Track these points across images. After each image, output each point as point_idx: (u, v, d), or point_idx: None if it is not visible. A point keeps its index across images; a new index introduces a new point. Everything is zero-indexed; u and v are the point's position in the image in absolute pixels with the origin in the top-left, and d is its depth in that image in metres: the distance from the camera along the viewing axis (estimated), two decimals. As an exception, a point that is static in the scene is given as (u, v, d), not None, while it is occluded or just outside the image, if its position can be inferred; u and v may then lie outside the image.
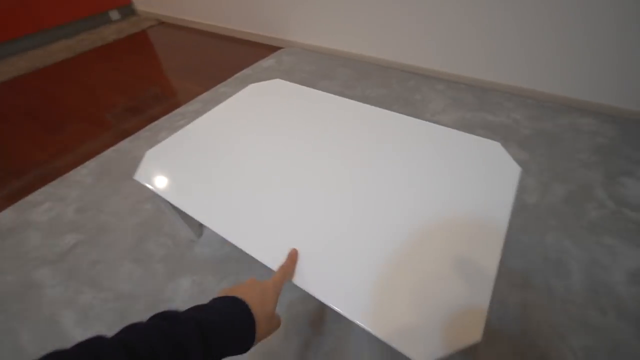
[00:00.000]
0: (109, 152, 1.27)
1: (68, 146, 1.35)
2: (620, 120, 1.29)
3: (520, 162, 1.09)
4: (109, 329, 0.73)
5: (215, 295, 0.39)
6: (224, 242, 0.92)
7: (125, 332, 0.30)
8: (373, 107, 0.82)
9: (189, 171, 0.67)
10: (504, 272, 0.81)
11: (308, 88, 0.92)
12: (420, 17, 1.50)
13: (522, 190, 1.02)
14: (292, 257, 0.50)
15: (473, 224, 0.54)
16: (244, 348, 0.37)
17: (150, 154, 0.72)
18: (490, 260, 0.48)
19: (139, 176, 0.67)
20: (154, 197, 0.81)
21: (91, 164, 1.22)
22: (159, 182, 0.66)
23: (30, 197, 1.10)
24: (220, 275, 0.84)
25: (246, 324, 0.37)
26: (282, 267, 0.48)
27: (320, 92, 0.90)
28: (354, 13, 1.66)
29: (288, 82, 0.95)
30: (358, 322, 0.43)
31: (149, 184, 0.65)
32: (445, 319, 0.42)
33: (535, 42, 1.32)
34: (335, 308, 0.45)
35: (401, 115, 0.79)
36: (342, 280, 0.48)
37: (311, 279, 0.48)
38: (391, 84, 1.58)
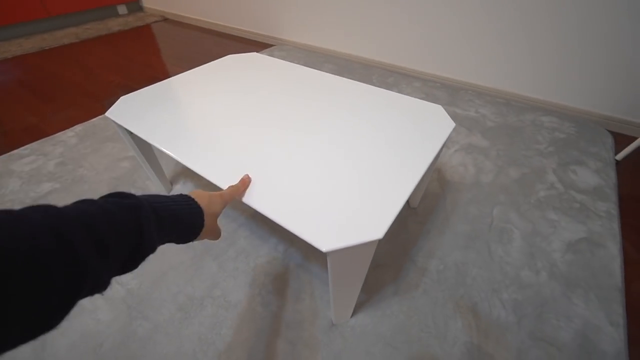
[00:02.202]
0: (96, 120, 1.34)
1: (59, 113, 1.42)
2: (580, 120, 1.37)
3: (480, 149, 1.18)
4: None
5: None
6: (191, 196, 0.97)
7: (80, 202, 0.29)
8: (342, 78, 0.89)
9: (157, 112, 0.74)
10: (449, 235, 0.87)
11: (283, 61, 1.00)
12: (401, 20, 1.62)
13: (478, 170, 1.09)
14: (244, 181, 0.54)
15: (408, 156, 0.60)
16: (192, 233, 0.41)
17: (125, 98, 0.78)
18: (409, 184, 0.54)
19: (111, 114, 0.73)
20: (131, 155, 0.83)
21: (78, 128, 1.29)
22: (129, 120, 0.72)
23: (16, 151, 1.16)
24: (183, 224, 0.88)
25: (195, 210, 0.41)
26: (232, 186, 0.52)
27: (294, 64, 0.98)
28: (341, 15, 1.78)
29: (265, 55, 1.03)
30: (287, 226, 0.48)
31: (119, 120, 0.71)
32: (361, 225, 0.48)
33: (507, 46, 1.43)
34: (273, 217, 0.50)
35: (366, 84, 0.86)
36: (288, 201, 0.53)
37: (259, 199, 0.53)
38: (372, 79, 1.67)
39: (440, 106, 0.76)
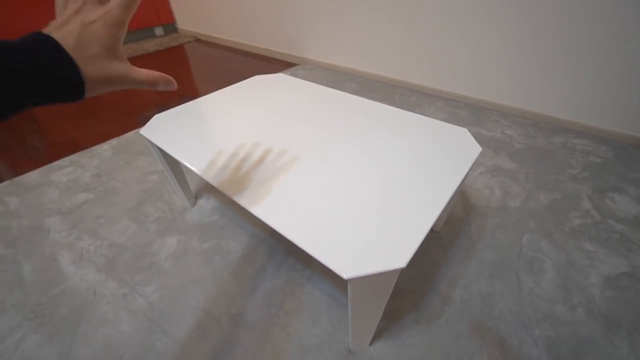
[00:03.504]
0: (130, 135, 1.42)
1: (96, 127, 1.52)
2: (616, 143, 1.30)
3: (507, 171, 1.14)
4: (98, 270, 0.80)
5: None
6: (213, 211, 1.00)
7: None
8: (366, 99, 0.90)
9: (187, 130, 0.77)
10: (474, 262, 0.83)
11: (308, 82, 1.03)
12: (424, 39, 1.62)
13: (505, 194, 1.04)
14: None
15: (433, 180, 0.58)
16: (64, 92, 0.28)
17: (158, 117, 0.83)
18: (434, 210, 0.52)
19: (145, 131, 0.77)
20: (159, 169, 0.87)
21: (113, 142, 1.37)
22: (160, 138, 0.75)
23: (57, 163, 1.24)
24: (204, 238, 0.90)
25: (52, 62, 0.27)
26: None
27: (318, 85, 1.00)
28: (364, 35, 1.82)
29: (290, 76, 1.07)
30: (308, 250, 0.48)
31: (151, 137, 0.75)
32: (383, 251, 0.47)
33: (535, 64, 1.39)
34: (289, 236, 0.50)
35: (389, 106, 0.86)
36: (309, 223, 0.53)
37: (280, 220, 0.53)
38: (394, 99, 1.68)
39: (466, 129, 0.75)
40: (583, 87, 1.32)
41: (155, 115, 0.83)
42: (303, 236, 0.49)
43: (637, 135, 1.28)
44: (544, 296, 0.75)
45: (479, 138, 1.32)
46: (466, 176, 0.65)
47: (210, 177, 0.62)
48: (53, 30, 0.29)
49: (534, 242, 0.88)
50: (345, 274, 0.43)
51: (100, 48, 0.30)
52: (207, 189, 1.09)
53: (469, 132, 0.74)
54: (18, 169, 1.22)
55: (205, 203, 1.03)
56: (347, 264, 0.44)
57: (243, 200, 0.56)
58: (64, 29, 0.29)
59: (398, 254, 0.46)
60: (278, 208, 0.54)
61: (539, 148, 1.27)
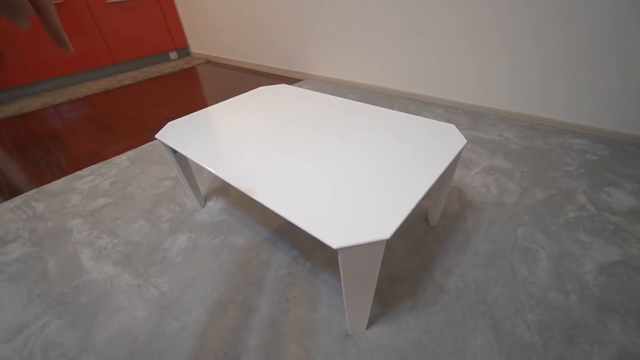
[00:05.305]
0: (145, 146, 1.53)
1: (115, 141, 1.63)
2: (613, 142, 1.32)
3: (503, 170, 1.18)
4: (115, 265, 0.87)
5: None
6: (221, 211, 1.06)
7: None
8: (363, 103, 0.97)
9: (198, 134, 0.85)
10: (469, 253, 0.86)
11: (308, 90, 1.11)
12: (420, 49, 1.71)
13: (501, 191, 1.08)
14: None
15: (420, 167, 0.64)
16: None
17: (171, 124, 0.92)
18: (419, 192, 0.58)
19: (160, 135, 0.86)
20: (172, 175, 0.95)
21: (130, 153, 1.47)
22: (174, 140, 0.84)
23: (79, 172, 1.35)
24: (212, 235, 0.96)
25: None
26: None
27: (318, 93, 1.08)
28: (363, 48, 1.93)
29: (291, 86, 1.15)
30: (303, 227, 0.53)
31: (165, 140, 0.84)
32: (370, 225, 0.52)
33: (528, 68, 1.45)
34: (288, 217, 0.55)
35: (384, 108, 0.93)
36: (306, 205, 0.59)
37: (279, 203, 0.59)
38: (394, 108, 1.75)
39: (453, 125, 0.80)
40: (578, 88, 1.36)
41: (169, 122, 0.92)
42: (298, 214, 0.55)
43: (633, 133, 1.31)
44: (538, 284, 0.77)
45: (476, 140, 1.37)
46: (455, 165, 0.70)
47: (221, 174, 0.69)
48: None
49: (529, 234, 0.91)
50: (335, 244, 0.48)
51: None
52: (216, 191, 1.16)
53: (455, 127, 0.79)
54: (44, 179, 1.33)
55: (214, 204, 1.09)
56: (336, 237, 0.50)
57: (247, 189, 0.62)
58: None
59: (384, 228, 0.51)
60: (277, 193, 0.60)
61: (535, 148, 1.31)
